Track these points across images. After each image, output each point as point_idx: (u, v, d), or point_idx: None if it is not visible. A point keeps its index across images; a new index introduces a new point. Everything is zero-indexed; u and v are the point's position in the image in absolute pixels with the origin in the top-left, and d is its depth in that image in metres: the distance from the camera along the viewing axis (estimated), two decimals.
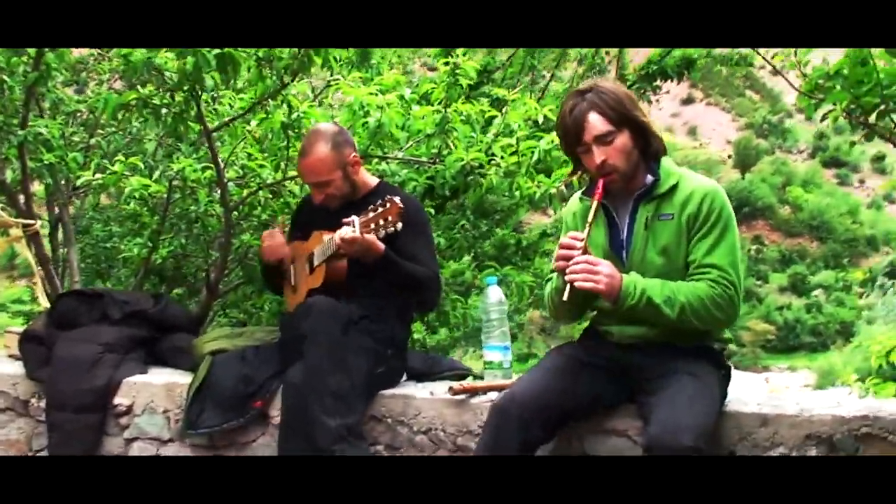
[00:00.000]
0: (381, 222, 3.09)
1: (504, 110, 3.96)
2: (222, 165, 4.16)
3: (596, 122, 2.70)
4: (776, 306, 68.20)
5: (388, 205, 3.08)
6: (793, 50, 2.80)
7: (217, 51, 3.29)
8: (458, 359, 5.29)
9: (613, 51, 7.87)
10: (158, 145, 5.91)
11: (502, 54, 7.01)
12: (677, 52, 7.71)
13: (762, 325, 64.03)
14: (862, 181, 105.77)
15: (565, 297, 2.66)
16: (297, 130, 4.12)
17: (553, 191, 4.08)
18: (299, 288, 3.63)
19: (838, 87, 2.68)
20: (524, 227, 8.68)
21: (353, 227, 3.12)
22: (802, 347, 67.30)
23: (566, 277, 2.64)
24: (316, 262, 3.44)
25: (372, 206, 3.13)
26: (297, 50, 3.42)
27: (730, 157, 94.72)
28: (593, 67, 7.17)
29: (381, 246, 3.18)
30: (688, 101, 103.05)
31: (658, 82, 7.64)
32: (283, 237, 3.68)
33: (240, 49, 3.37)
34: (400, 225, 3.08)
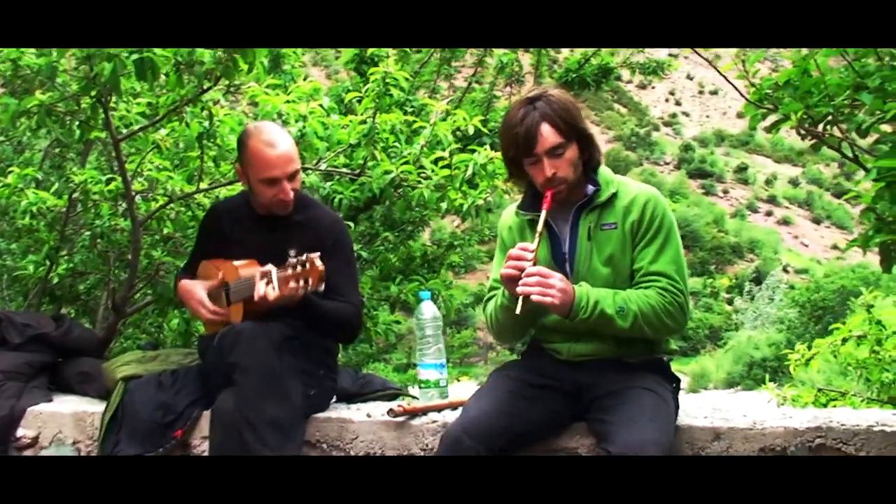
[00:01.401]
0: (301, 282, 2.87)
1: (432, 121, 3.82)
2: (129, 177, 3.88)
3: (548, 135, 2.63)
4: None
5: (308, 265, 2.86)
6: (741, 59, 2.76)
7: (136, 55, 3.03)
8: None
9: (531, 59, 7.90)
10: (45, 156, 5.55)
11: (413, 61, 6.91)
12: (594, 61, 7.81)
13: None
14: (726, 191, 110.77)
15: (518, 311, 2.57)
16: (212, 140, 3.89)
17: (480, 202, 3.97)
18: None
19: (787, 98, 2.66)
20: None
21: (272, 281, 2.91)
22: (674, 352, 69.45)
23: (519, 290, 2.56)
24: (232, 300, 3.22)
25: (291, 261, 2.90)
26: (221, 53, 3.18)
27: None
28: (511, 76, 7.14)
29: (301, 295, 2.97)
30: None
31: (576, 90, 7.71)
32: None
33: (158, 52, 3.12)
34: (322, 287, 2.88)
